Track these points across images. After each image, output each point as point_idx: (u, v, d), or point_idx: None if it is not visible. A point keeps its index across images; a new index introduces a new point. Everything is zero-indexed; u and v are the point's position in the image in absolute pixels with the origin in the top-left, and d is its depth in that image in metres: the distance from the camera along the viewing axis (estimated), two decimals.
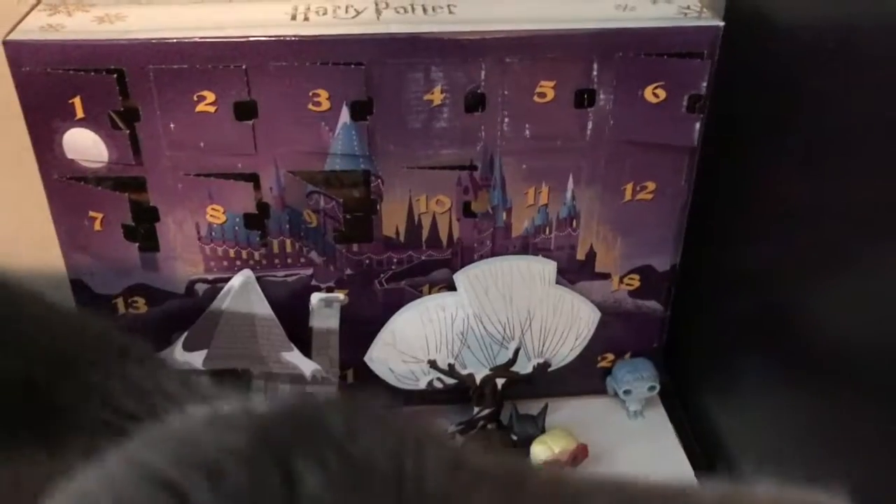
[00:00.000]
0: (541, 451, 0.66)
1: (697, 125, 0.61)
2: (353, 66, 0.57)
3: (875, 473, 0.49)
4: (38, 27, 0.57)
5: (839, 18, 0.52)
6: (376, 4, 0.62)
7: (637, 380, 0.73)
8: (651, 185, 0.65)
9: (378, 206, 0.63)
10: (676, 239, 0.68)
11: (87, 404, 0.34)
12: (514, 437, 0.69)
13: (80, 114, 0.58)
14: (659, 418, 0.75)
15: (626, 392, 0.73)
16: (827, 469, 0.55)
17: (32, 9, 0.61)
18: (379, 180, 0.62)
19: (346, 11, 0.61)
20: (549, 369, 0.72)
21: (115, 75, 0.56)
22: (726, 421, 0.71)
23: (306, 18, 0.59)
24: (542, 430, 0.69)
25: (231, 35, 0.57)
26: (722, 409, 0.72)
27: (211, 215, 0.63)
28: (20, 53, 0.56)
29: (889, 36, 0.47)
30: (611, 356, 0.74)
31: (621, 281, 0.70)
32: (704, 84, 0.60)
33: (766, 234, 0.62)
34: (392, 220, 0.64)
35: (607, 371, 0.75)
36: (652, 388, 0.73)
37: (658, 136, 0.62)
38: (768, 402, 0.64)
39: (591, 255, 0.68)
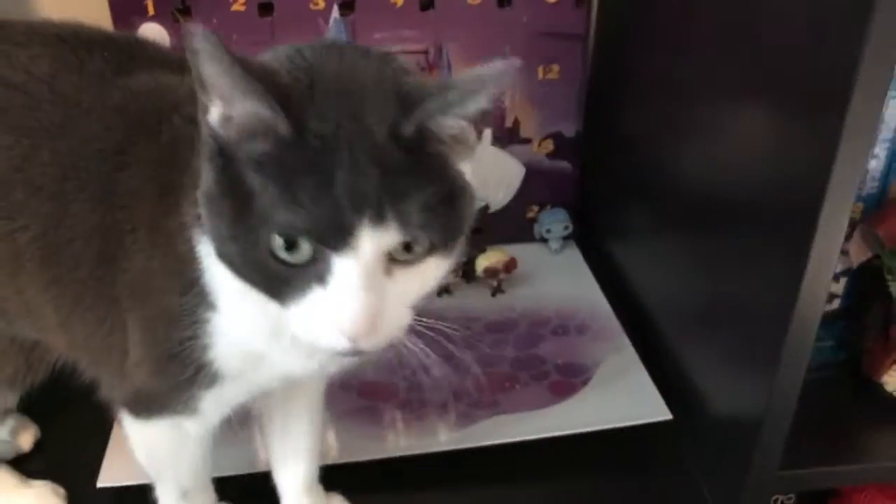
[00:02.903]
0: (481, 260, 0.91)
1: (583, 16, 0.87)
2: None
3: (742, 287, 0.67)
4: None
5: None
6: None
7: (555, 221, 0.98)
8: (556, 67, 0.91)
9: None
10: (578, 110, 0.94)
11: None
12: (463, 258, 0.94)
13: (151, 11, 0.82)
14: (575, 256, 1.00)
15: (548, 231, 0.98)
16: (702, 287, 0.76)
17: None
18: None
19: None
20: (489, 211, 0.97)
21: None
22: (625, 256, 0.95)
23: None
24: (483, 251, 0.93)
25: None
26: (621, 247, 0.96)
27: None
28: None
29: None
30: (535, 207, 1.00)
31: (539, 145, 0.95)
32: None
33: (646, 105, 0.86)
34: None
35: (534, 220, 1.00)
36: (567, 229, 0.98)
37: (556, 27, 0.88)
38: (655, 239, 0.88)
39: (516, 123, 0.94)
